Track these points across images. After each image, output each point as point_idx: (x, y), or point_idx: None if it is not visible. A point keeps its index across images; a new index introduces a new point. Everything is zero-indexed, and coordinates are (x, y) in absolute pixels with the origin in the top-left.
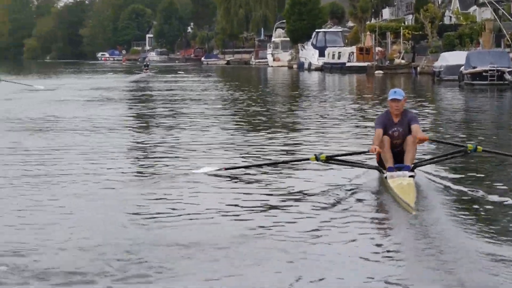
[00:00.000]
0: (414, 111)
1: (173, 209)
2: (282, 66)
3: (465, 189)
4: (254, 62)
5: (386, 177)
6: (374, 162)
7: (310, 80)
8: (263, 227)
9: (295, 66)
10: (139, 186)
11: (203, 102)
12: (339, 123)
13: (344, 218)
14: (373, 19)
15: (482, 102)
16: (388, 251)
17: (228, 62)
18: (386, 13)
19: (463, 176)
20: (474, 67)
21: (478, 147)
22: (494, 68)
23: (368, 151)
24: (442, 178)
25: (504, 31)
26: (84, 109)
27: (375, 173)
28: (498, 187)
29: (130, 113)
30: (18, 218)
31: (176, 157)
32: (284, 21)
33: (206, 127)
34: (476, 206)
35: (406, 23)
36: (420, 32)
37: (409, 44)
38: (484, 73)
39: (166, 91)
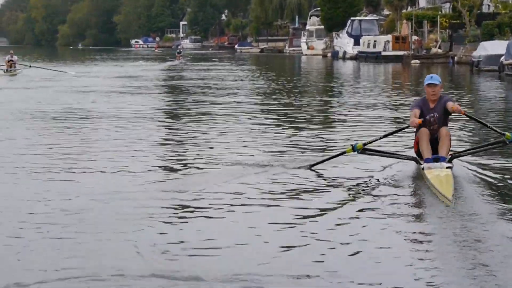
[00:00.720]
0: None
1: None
2: (316, 54)
3: (504, 180)
4: (288, 50)
5: (423, 168)
6: (411, 153)
7: (345, 69)
8: (302, 216)
9: (329, 54)
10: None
11: (236, 93)
12: (375, 113)
13: (380, 209)
14: (409, 7)
15: None
16: (422, 243)
17: (262, 50)
18: (422, 1)
19: (501, 166)
20: None
21: None
22: None
23: (408, 126)
24: (481, 169)
25: None
26: (105, 100)
27: (412, 164)
28: None
29: (155, 105)
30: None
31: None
32: (319, 9)
33: (240, 120)
34: None
35: (443, 11)
36: (458, 21)
37: (446, 33)
38: None
39: (198, 80)
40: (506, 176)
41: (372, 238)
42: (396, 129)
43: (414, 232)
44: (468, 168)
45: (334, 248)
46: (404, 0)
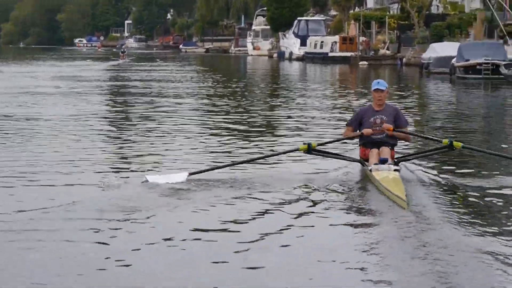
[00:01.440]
0: (400, 106)
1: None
2: (262, 55)
3: (448, 183)
4: (233, 51)
5: (371, 170)
6: (356, 155)
7: (291, 70)
8: (243, 221)
9: (275, 55)
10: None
11: (178, 95)
12: (321, 115)
13: (330, 212)
14: (356, 7)
15: (475, 97)
16: (376, 244)
17: (207, 50)
18: (370, 1)
19: (444, 170)
20: (467, 60)
21: (455, 143)
22: (489, 61)
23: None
24: (425, 172)
25: (499, 21)
26: (35, 102)
27: (358, 166)
28: (482, 179)
29: (87, 108)
30: None
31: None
32: (265, 8)
33: (182, 124)
34: (462, 199)
35: (391, 12)
36: (406, 22)
37: (394, 34)
38: (478, 66)
39: (137, 82)
40: (450, 179)
41: (322, 242)
42: (350, 136)
43: (369, 235)
44: (412, 171)
45: (278, 252)
46: (352, 0)
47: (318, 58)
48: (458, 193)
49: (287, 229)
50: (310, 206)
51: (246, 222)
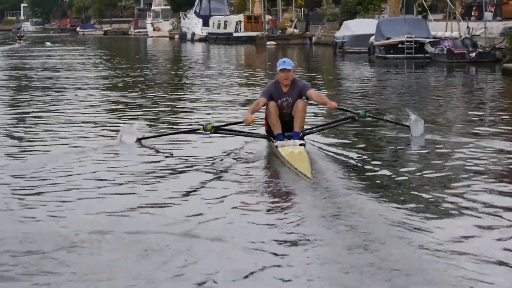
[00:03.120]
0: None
1: None
2: (163, 36)
3: (353, 155)
4: (133, 32)
5: (276, 146)
6: (262, 131)
7: (193, 52)
8: (150, 203)
9: (176, 36)
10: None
11: (76, 84)
12: (225, 96)
13: (238, 189)
14: None
15: (397, 77)
16: (287, 218)
17: (105, 33)
18: None
19: (346, 143)
20: (387, 38)
21: (368, 114)
22: (412, 39)
23: (242, 122)
24: (329, 145)
25: None
26: None
27: (264, 142)
28: (383, 151)
29: None
30: None
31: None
32: None
33: (85, 107)
34: (366, 172)
35: None
36: None
37: (301, 12)
38: (400, 45)
39: (35, 70)
40: (352, 151)
41: (232, 221)
42: (237, 121)
43: (278, 210)
44: (317, 145)
45: (193, 235)
46: None
47: (222, 38)
48: (361, 165)
49: (197, 214)
50: (217, 187)
51: (151, 208)
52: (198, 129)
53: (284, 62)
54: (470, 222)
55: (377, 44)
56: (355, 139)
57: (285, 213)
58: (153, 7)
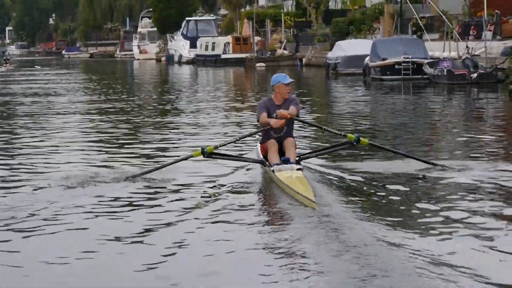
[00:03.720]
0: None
1: None
2: (149, 59)
3: (351, 180)
4: (119, 55)
5: (273, 171)
6: (253, 155)
7: (181, 75)
8: (149, 229)
9: (163, 58)
10: None
11: (63, 108)
12: (219, 120)
13: (238, 216)
14: (247, 6)
15: (393, 100)
16: (290, 244)
17: (91, 55)
18: None
19: (344, 167)
20: (383, 59)
21: (362, 139)
22: (409, 60)
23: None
24: (326, 169)
25: (416, 14)
26: None
27: (259, 167)
28: (382, 175)
29: None
30: None
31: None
32: (151, 9)
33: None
34: (366, 195)
35: (285, 9)
36: (303, 19)
37: (290, 33)
38: (396, 66)
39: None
40: (351, 176)
41: (232, 249)
42: (248, 133)
43: (279, 233)
44: (314, 169)
45: (189, 260)
46: None
47: (210, 60)
48: (361, 190)
49: (198, 238)
50: (215, 215)
51: (154, 232)
52: (190, 156)
53: (286, 76)
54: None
55: (373, 65)
56: (351, 161)
57: (289, 241)
58: (139, 29)
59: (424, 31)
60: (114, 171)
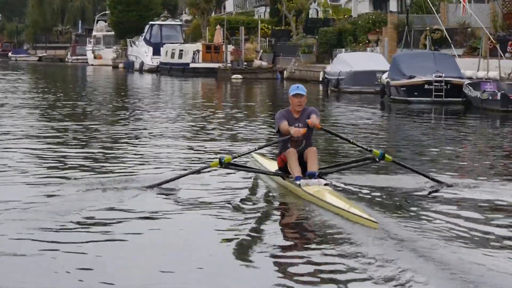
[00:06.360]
0: None
1: None
2: (105, 65)
3: (378, 195)
4: (70, 59)
5: (299, 185)
6: (272, 168)
7: (141, 85)
8: (171, 243)
9: (121, 65)
10: None
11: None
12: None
13: (283, 234)
14: (213, 12)
15: (430, 132)
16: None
17: (40, 59)
18: (229, 4)
19: (365, 183)
20: (410, 77)
21: (387, 156)
22: (442, 79)
23: (289, 138)
24: (350, 185)
25: (427, 27)
26: None
27: (278, 179)
28: (407, 191)
29: None
30: None
31: None
32: (106, 12)
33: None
34: (405, 211)
35: (256, 16)
36: (281, 27)
37: (266, 42)
38: (426, 86)
39: None
40: (377, 191)
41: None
42: (271, 142)
43: (366, 263)
44: (337, 185)
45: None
46: (212, 2)
47: (177, 69)
48: (395, 205)
49: (215, 262)
50: (244, 232)
51: (174, 248)
52: (208, 167)
53: (298, 87)
54: None
55: (395, 83)
56: (375, 178)
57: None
58: (94, 33)
59: (452, 45)
60: (134, 179)
